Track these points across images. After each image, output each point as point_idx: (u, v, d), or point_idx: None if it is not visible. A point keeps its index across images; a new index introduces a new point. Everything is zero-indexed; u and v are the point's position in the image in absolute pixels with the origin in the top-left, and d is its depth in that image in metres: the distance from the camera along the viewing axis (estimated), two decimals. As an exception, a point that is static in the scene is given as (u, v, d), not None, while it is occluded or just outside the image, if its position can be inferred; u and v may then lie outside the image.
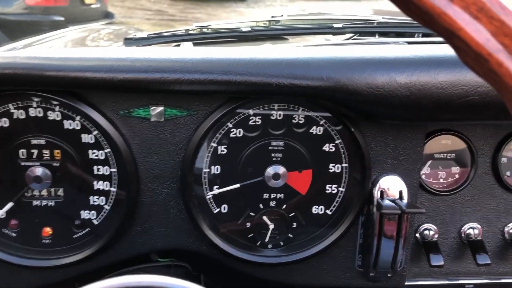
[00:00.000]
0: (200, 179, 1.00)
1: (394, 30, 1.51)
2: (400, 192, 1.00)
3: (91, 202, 1.01)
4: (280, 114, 0.98)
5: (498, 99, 0.76)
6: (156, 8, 10.71)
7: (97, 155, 0.98)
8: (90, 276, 1.04)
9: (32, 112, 0.95)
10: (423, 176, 1.06)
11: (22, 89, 0.92)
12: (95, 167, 0.98)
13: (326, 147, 1.00)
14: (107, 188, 1.00)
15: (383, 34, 1.56)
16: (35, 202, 1.00)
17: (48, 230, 1.01)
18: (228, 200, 1.02)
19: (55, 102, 0.94)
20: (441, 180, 1.08)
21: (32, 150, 0.96)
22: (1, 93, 0.92)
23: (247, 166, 1.00)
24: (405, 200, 0.99)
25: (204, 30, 1.45)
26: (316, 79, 0.86)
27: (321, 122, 0.98)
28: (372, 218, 1.00)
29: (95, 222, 1.02)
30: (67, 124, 0.96)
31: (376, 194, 1.00)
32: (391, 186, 1.00)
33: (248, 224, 1.04)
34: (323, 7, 9.48)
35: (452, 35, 0.34)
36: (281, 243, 1.06)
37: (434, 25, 0.34)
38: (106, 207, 1.01)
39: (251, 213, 1.03)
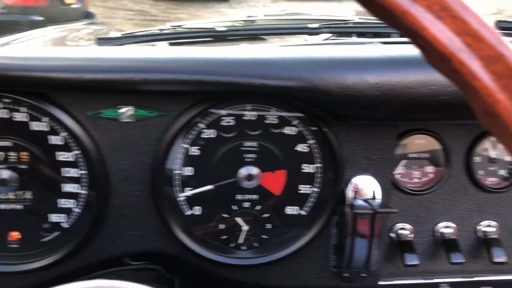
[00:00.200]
0: (172, 180, 0.99)
1: (369, 31, 1.51)
2: (374, 192, 1.00)
3: (61, 205, 0.98)
4: (253, 115, 0.97)
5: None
6: (138, 8, 10.62)
7: (66, 157, 0.95)
8: (60, 281, 1.01)
9: None
10: (398, 176, 1.07)
11: None
12: (64, 169, 0.96)
13: (299, 148, 0.99)
14: (76, 191, 0.98)
15: (361, 35, 1.56)
16: (1, 206, 0.97)
17: (15, 234, 0.99)
18: (201, 202, 1.01)
19: (22, 103, 0.92)
20: (416, 180, 1.08)
21: None
22: None
23: (220, 167, 0.99)
24: (378, 200, 0.99)
25: (179, 29, 1.43)
26: (287, 79, 0.86)
27: (295, 123, 0.98)
28: (345, 218, 1.00)
29: (65, 225, 1.00)
30: (34, 126, 0.93)
31: (349, 194, 1.00)
32: (365, 186, 1.00)
33: (222, 226, 1.03)
34: (306, 8, 9.52)
35: (416, 35, 0.34)
36: (256, 244, 1.05)
37: (399, 24, 0.34)
38: (76, 210, 0.99)
39: (225, 215, 1.02)
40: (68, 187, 0.97)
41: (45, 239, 1.00)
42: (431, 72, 0.85)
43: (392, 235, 1.08)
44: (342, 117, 0.94)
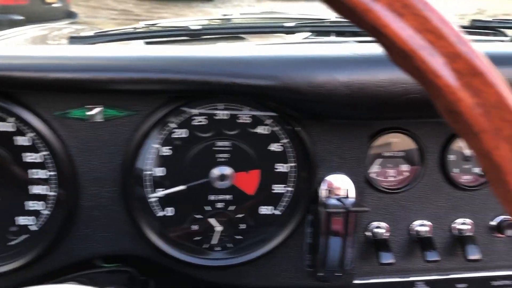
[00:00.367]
0: (142, 181, 0.97)
1: (347, 30, 1.51)
2: (347, 191, 0.99)
3: (28, 207, 0.96)
4: (225, 114, 0.96)
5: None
6: (121, 7, 10.53)
7: (33, 158, 0.93)
8: (30, 284, 0.99)
9: None
10: (373, 175, 1.06)
11: None
12: (31, 171, 0.94)
13: (273, 147, 0.99)
14: (45, 192, 0.95)
15: (340, 34, 1.56)
16: None
17: None
18: (174, 203, 1.00)
19: None
20: (391, 178, 1.08)
21: None
22: None
23: (192, 167, 0.97)
24: (351, 199, 0.99)
25: (153, 28, 1.41)
26: (257, 78, 0.85)
27: (268, 122, 0.97)
28: (319, 217, 0.99)
29: (34, 228, 0.97)
30: (0, 126, 0.91)
31: (323, 193, 0.99)
32: (338, 184, 0.99)
33: (195, 227, 1.02)
34: (291, 7, 9.53)
35: (378, 33, 0.34)
36: (230, 245, 1.04)
37: (362, 23, 0.34)
38: (45, 212, 0.97)
39: (198, 216, 1.01)
40: (36, 189, 0.95)
41: (13, 242, 0.98)
42: (401, 70, 0.85)
43: (368, 233, 1.08)
44: (314, 116, 0.93)
